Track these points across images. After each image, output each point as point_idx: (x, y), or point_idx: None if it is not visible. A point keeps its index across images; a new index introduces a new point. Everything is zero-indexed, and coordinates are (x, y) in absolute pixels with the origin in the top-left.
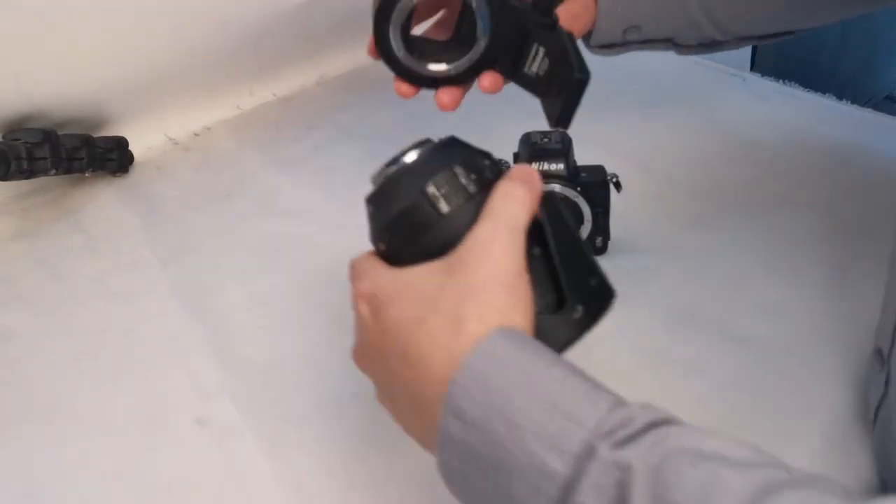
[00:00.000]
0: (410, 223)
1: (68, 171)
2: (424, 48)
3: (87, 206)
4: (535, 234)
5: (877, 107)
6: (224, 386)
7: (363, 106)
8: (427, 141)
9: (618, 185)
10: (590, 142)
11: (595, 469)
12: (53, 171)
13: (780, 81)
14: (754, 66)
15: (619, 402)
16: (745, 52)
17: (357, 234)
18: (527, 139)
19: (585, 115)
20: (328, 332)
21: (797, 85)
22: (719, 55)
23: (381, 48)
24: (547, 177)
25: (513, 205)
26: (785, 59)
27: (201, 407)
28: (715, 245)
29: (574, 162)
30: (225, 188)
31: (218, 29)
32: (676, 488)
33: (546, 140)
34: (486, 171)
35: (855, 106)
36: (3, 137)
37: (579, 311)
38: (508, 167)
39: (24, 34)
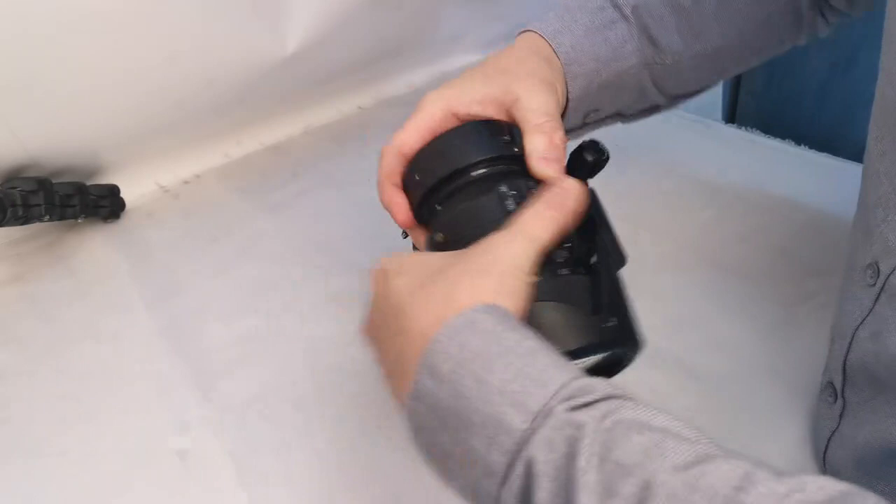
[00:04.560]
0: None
1: (62, 217)
2: None
3: (78, 251)
4: (583, 258)
5: (861, 153)
6: (205, 420)
7: (346, 154)
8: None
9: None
10: None
11: (549, 425)
12: (48, 218)
13: (742, 128)
14: (737, 118)
15: (582, 374)
16: (713, 101)
17: (337, 276)
18: None
19: None
20: (306, 368)
21: (758, 132)
22: (687, 105)
23: None
24: None
25: (536, 222)
26: (767, 111)
27: (183, 440)
28: (675, 284)
29: None
30: (212, 233)
31: (206, 84)
32: (621, 449)
33: None
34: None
35: (811, 150)
36: (0, 186)
37: (613, 321)
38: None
39: (20, 87)
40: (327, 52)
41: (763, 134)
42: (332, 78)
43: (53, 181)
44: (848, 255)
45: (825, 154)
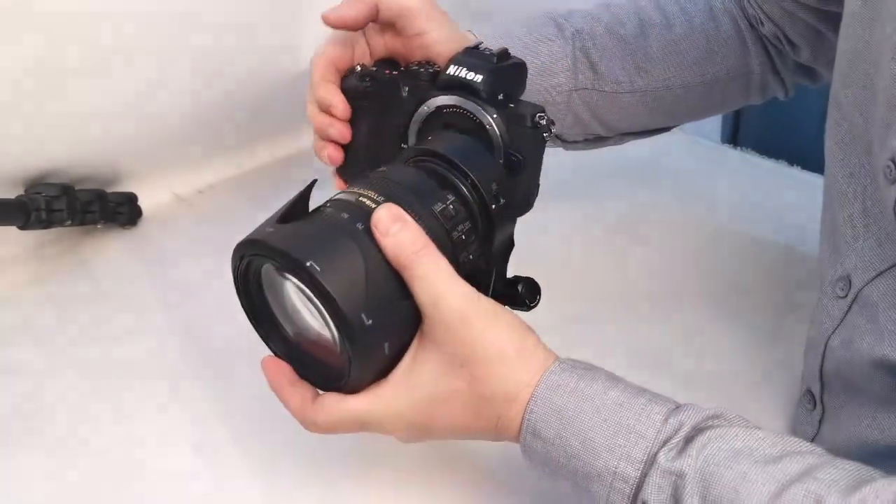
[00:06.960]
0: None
1: (82, 222)
2: None
3: (97, 255)
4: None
5: None
6: (219, 414)
7: None
8: None
9: (547, 128)
10: (565, 202)
11: (656, 473)
12: (69, 223)
13: (738, 149)
14: (738, 141)
15: (670, 411)
16: (713, 122)
17: None
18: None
19: (561, 182)
20: None
21: (753, 152)
22: (688, 125)
23: None
24: (460, 87)
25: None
26: (769, 135)
27: (197, 433)
28: (670, 294)
29: (512, 92)
30: (225, 241)
31: (222, 98)
32: (716, 487)
33: (487, 51)
34: None
35: (806, 171)
36: (25, 191)
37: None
38: None
39: (47, 98)
40: None
41: (758, 154)
42: None
43: (75, 187)
44: (820, 271)
45: (817, 174)
